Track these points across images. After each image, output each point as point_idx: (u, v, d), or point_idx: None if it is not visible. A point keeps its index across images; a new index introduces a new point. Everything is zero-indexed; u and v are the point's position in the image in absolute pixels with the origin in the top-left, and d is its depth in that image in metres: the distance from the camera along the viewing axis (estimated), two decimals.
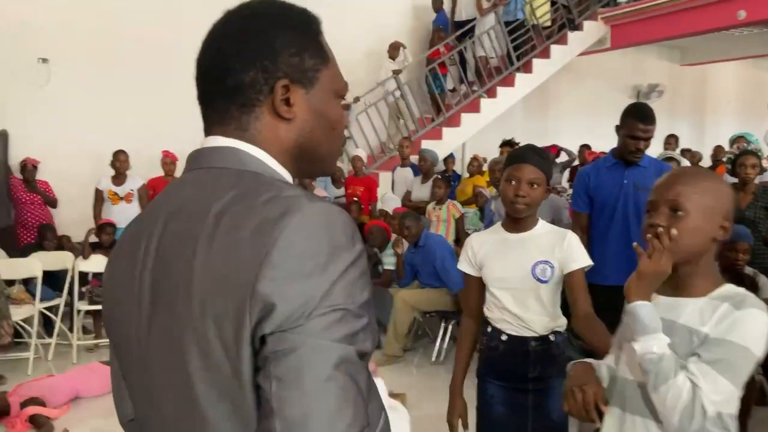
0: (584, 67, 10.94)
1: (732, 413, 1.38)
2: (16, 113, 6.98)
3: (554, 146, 9.01)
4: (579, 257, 2.16)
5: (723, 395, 1.31)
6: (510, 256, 2.17)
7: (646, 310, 1.39)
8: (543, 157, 2.21)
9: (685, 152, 7.29)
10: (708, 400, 1.29)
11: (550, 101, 10.98)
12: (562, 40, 9.58)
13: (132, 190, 6.32)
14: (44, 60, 7.27)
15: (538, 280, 2.11)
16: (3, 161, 6.84)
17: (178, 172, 6.90)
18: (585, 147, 8.80)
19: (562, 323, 2.18)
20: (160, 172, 6.86)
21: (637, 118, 3.15)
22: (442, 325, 5.20)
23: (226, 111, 0.91)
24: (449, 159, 8.45)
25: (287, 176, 0.94)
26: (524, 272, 2.12)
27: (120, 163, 6.33)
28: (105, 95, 7.41)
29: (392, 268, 5.50)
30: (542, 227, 2.21)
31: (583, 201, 3.42)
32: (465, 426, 2.31)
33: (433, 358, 5.15)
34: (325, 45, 0.97)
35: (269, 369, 0.75)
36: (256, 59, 0.89)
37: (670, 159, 4.57)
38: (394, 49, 8.58)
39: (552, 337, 2.16)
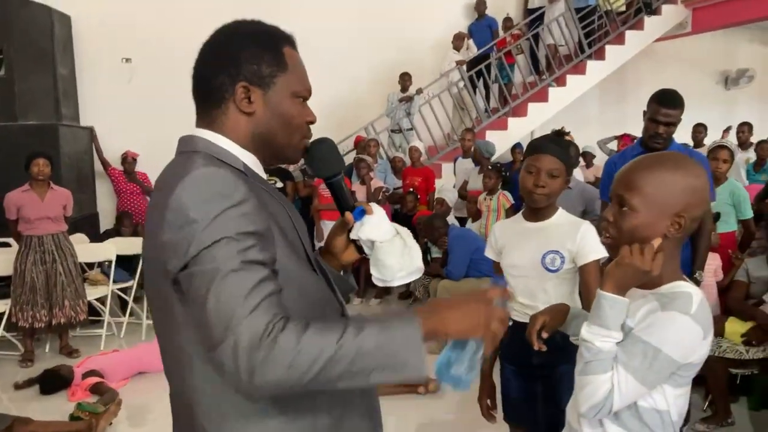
0: (666, 53, 10.47)
1: (656, 408, 1.37)
2: (104, 111, 7.56)
3: (627, 135, 8.74)
4: (593, 249, 2.14)
5: (631, 398, 1.33)
6: (525, 245, 2.20)
7: (609, 303, 1.34)
8: (563, 147, 2.24)
9: (762, 143, 6.86)
10: (617, 404, 1.33)
11: (629, 89, 10.57)
12: (638, 26, 9.24)
13: None
14: (127, 60, 7.83)
15: (547, 269, 2.13)
16: (89, 155, 7.46)
17: None
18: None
19: None
20: None
21: (658, 102, 3.07)
22: None
23: (204, 108, 1.24)
24: (516, 149, 8.38)
25: (247, 158, 1.22)
26: (534, 261, 2.15)
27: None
28: (185, 91, 7.85)
29: (440, 256, 5.60)
30: (560, 217, 2.22)
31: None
32: (493, 407, 2.39)
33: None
34: (286, 55, 1.23)
35: (188, 297, 1.06)
36: (223, 67, 1.20)
37: (722, 147, 4.38)
38: (458, 40, 8.58)
39: None
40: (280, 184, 6.88)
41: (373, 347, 1.01)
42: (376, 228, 1.34)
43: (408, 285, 6.70)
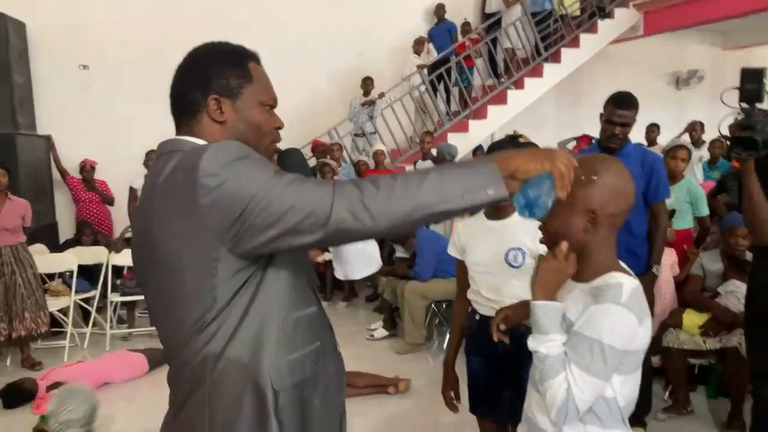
0: (619, 55, 10.78)
1: (603, 396, 1.43)
2: (61, 119, 7.43)
3: (585, 136, 8.95)
4: None
5: (592, 393, 1.38)
6: (488, 242, 2.27)
7: (542, 311, 1.43)
8: (520, 147, 2.31)
9: (715, 142, 7.13)
10: (580, 401, 1.37)
11: (584, 91, 10.84)
12: (592, 29, 9.50)
13: None
14: (85, 66, 7.71)
15: (510, 265, 2.21)
16: (47, 163, 7.32)
17: None
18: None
19: None
20: None
21: (614, 104, 3.19)
22: None
23: (182, 120, 1.39)
24: (478, 151, 8.51)
25: None
26: (498, 257, 2.23)
27: (152, 162, 6.66)
28: (141, 99, 7.79)
29: (406, 256, 5.66)
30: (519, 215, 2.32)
31: None
32: (457, 398, 2.47)
33: (445, 346, 5.27)
34: (251, 69, 1.39)
35: (256, 228, 1.19)
36: (195, 83, 1.36)
37: (680, 147, 4.54)
38: (418, 44, 8.69)
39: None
40: None
41: (461, 176, 1.18)
42: None
43: (375, 288, 6.75)
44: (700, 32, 11.61)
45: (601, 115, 3.33)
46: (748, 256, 3.87)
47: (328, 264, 6.76)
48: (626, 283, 1.40)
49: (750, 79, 2.32)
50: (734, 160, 2.45)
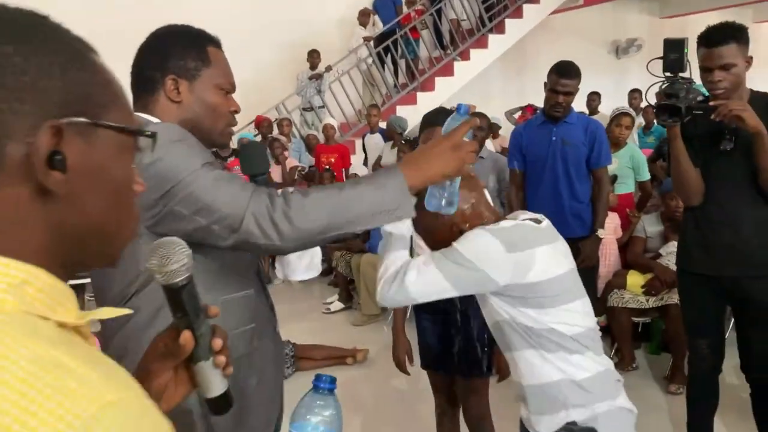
0: (561, 25, 10.96)
1: (561, 326, 1.50)
2: None
3: (530, 106, 9.10)
4: None
5: (426, 282, 1.47)
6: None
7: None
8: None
9: (648, 108, 7.38)
10: (410, 281, 1.46)
11: (528, 61, 11.01)
12: None
13: None
14: None
15: None
16: None
17: None
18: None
19: None
20: None
21: (557, 74, 3.29)
22: None
23: (139, 97, 1.39)
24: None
25: None
26: None
27: None
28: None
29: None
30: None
31: (518, 159, 3.57)
32: (410, 360, 2.58)
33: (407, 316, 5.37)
34: (210, 53, 1.41)
35: (181, 214, 1.23)
36: (155, 63, 1.38)
37: (624, 114, 4.68)
38: (364, 16, 8.64)
39: None
40: None
41: (370, 197, 1.20)
42: None
43: (330, 262, 6.80)
44: (639, 1, 11.90)
45: (545, 84, 3.42)
46: None
47: None
48: (503, 222, 1.54)
49: (673, 49, 2.42)
50: (659, 125, 2.58)
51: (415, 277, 1.45)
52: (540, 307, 1.50)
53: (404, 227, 1.47)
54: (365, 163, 7.28)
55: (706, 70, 2.32)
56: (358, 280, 5.31)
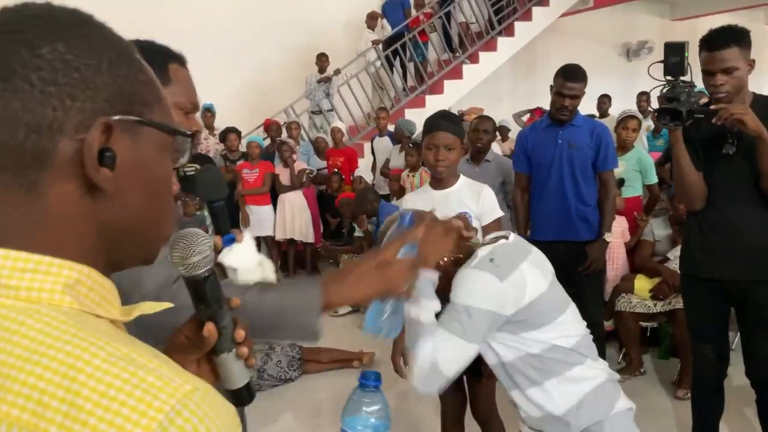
0: (572, 28, 10.92)
1: (560, 341, 1.51)
2: None
3: (539, 108, 9.08)
4: (492, 210, 2.47)
5: (457, 355, 1.46)
6: (436, 210, 2.40)
7: (431, 279, 1.52)
8: (455, 122, 2.50)
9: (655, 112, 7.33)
10: (443, 362, 1.45)
11: (538, 63, 10.97)
12: (544, 2, 9.58)
13: None
14: None
15: None
16: None
17: None
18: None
19: None
20: None
21: (563, 77, 3.27)
22: None
23: None
24: None
25: None
26: None
27: None
28: None
29: (362, 235, 5.72)
30: (462, 183, 2.50)
31: (523, 162, 3.56)
32: (406, 363, 2.55)
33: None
34: (171, 71, 1.27)
35: None
36: None
37: (631, 117, 4.66)
38: (372, 19, 8.65)
39: None
40: None
41: (272, 309, 1.06)
42: (240, 257, 1.40)
43: (337, 265, 6.80)
44: (649, 3, 11.84)
45: (551, 87, 3.41)
46: None
47: (290, 242, 6.77)
48: (481, 252, 1.52)
49: (673, 53, 2.42)
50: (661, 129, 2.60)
51: (445, 359, 1.45)
52: (540, 326, 1.50)
53: (431, 314, 1.48)
54: (373, 166, 7.29)
55: (708, 74, 2.32)
56: None
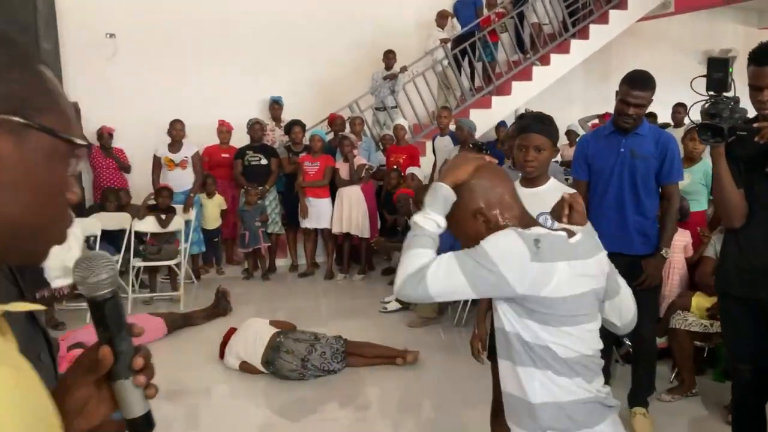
0: (649, 33, 10.56)
1: (539, 344, 1.48)
2: (86, 86, 7.55)
3: (608, 113, 8.83)
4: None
5: (447, 277, 1.45)
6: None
7: (433, 189, 1.56)
8: (547, 125, 2.58)
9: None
10: (432, 274, 1.45)
11: (613, 68, 10.64)
12: (622, 5, 9.29)
13: (186, 157, 6.75)
14: (111, 35, 7.81)
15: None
16: None
17: (234, 141, 7.31)
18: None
19: None
20: (216, 141, 7.29)
21: (628, 84, 3.16)
22: None
23: None
24: (500, 127, 8.46)
25: None
26: None
27: (176, 131, 6.77)
28: (166, 68, 7.89)
29: None
30: (552, 185, 2.59)
31: (582, 169, 3.45)
32: (484, 348, 2.70)
33: (454, 323, 5.34)
34: None
35: None
36: None
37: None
38: (442, 18, 8.60)
39: None
40: (264, 161, 6.94)
41: None
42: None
43: (390, 261, 6.83)
44: (735, 10, 11.29)
45: (617, 93, 3.30)
46: None
47: (346, 236, 6.84)
48: (537, 231, 1.50)
49: (716, 68, 2.36)
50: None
51: (435, 272, 1.46)
52: (543, 324, 1.47)
53: (435, 225, 1.51)
54: (434, 165, 7.27)
55: (755, 89, 2.25)
56: None
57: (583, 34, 9.11)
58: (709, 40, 11.60)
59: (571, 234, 1.52)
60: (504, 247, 1.45)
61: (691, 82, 2.46)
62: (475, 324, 2.69)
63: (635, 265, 3.28)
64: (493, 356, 2.63)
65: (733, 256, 2.49)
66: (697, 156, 4.35)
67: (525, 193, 2.49)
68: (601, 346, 1.57)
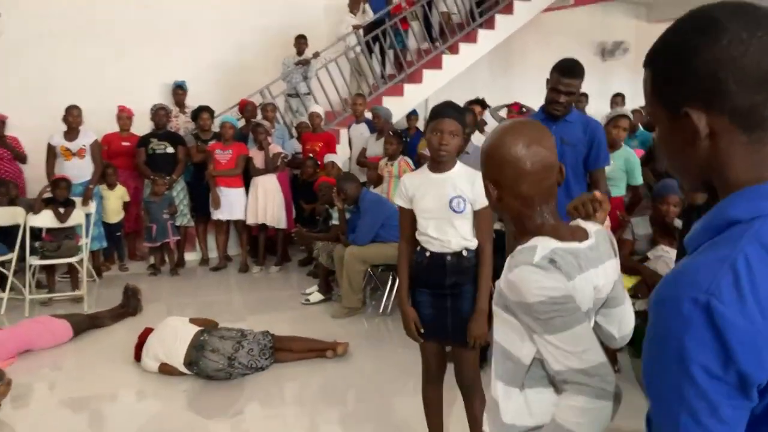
0: (550, 24, 10.91)
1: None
2: None
3: (516, 103, 9.05)
4: (485, 199, 2.53)
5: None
6: (434, 192, 2.60)
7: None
8: (460, 111, 2.62)
9: (635, 112, 7.40)
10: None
11: (516, 58, 10.96)
12: None
13: (84, 145, 6.24)
14: None
15: (454, 211, 2.57)
16: None
17: (135, 128, 6.87)
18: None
19: (473, 244, 2.64)
20: (116, 128, 6.82)
21: (559, 72, 3.21)
22: (391, 278, 5.32)
23: None
24: (412, 116, 8.46)
25: None
26: (443, 204, 2.57)
27: (72, 118, 6.24)
28: (61, 49, 7.31)
29: (338, 223, 5.59)
30: (459, 168, 2.63)
31: None
32: (419, 329, 2.70)
33: (380, 311, 5.29)
34: None
35: None
36: None
37: (622, 116, 4.65)
38: (354, 3, 8.48)
39: (464, 253, 2.62)
40: (171, 150, 6.57)
41: None
42: None
43: (309, 252, 6.67)
44: (627, 4, 11.90)
45: (547, 81, 3.34)
46: (677, 222, 4.04)
47: (262, 227, 6.62)
48: (541, 245, 1.34)
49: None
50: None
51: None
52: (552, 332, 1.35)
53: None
54: (350, 154, 7.16)
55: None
56: (340, 271, 5.20)
57: (490, 24, 9.26)
58: (603, 32, 12.17)
59: (584, 237, 1.43)
60: (542, 286, 1.29)
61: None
62: (402, 309, 2.72)
63: None
64: (424, 334, 2.71)
65: None
66: (618, 143, 4.50)
67: (435, 178, 2.63)
68: None
